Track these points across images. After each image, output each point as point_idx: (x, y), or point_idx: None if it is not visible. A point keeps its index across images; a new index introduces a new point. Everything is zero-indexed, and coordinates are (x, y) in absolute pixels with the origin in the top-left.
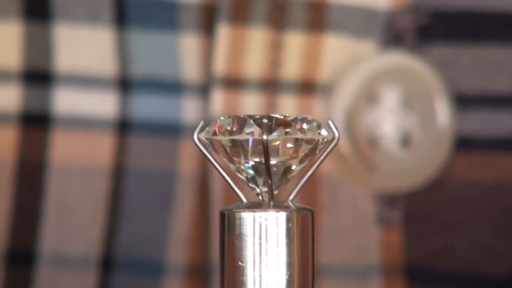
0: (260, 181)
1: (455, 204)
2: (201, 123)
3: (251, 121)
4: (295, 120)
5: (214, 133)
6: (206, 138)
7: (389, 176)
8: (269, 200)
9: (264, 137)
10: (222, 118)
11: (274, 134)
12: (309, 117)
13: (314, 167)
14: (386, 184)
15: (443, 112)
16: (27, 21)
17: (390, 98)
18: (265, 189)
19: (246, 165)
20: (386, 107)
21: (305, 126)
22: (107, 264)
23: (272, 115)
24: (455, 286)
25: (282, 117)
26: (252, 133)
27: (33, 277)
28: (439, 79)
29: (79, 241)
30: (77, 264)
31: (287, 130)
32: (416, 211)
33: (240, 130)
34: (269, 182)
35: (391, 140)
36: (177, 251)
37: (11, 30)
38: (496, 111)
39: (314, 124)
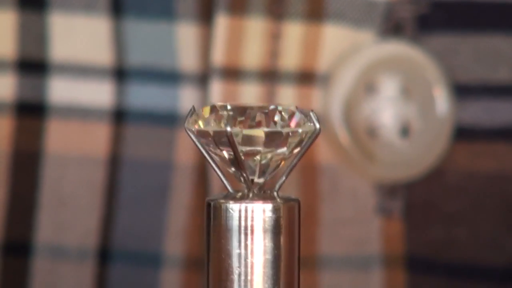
0: (247, 171)
1: (455, 194)
2: (191, 111)
3: (223, 112)
4: (265, 109)
5: (195, 123)
6: (188, 128)
7: (389, 166)
8: (251, 191)
9: (228, 129)
10: (202, 107)
11: (239, 129)
12: (293, 107)
13: (296, 159)
14: (386, 174)
15: (442, 102)
16: (22, 9)
17: (389, 87)
18: (251, 178)
19: (229, 155)
20: (385, 96)
21: (276, 117)
22: (104, 255)
23: (242, 104)
24: (456, 276)
25: (250, 107)
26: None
27: (30, 268)
28: (438, 68)
29: (75, 232)
30: (74, 255)
31: (258, 121)
32: (416, 201)
33: (217, 122)
34: (244, 175)
35: (390, 130)
36: (175, 242)
37: (6, 19)
38: (496, 100)
39: (303, 115)
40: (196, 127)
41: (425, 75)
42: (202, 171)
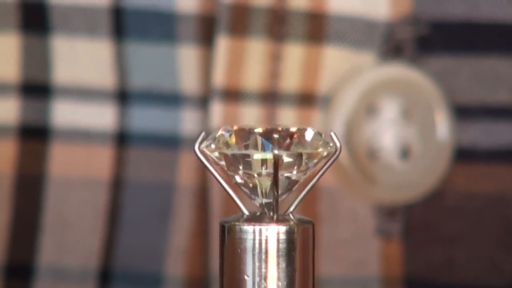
0: (261, 192)
1: (455, 216)
2: (202, 134)
3: (257, 136)
4: (299, 132)
5: (217, 146)
6: (207, 150)
7: (389, 188)
8: (272, 213)
9: (276, 152)
10: (223, 130)
11: (283, 151)
12: (312, 129)
13: (315, 179)
14: (386, 196)
15: (442, 124)
16: (26, 33)
17: (389, 109)
18: (266, 201)
19: (248, 177)
20: (386, 118)
21: (308, 138)
22: (106, 276)
23: (277, 127)
24: None
25: (287, 129)
26: (257, 148)
27: None
28: (438, 90)
29: (77, 254)
30: (76, 277)
31: (293, 143)
32: (416, 223)
33: (243, 143)
34: (276, 194)
35: (390, 152)
36: (176, 263)
37: (9, 42)
38: (496, 122)
39: (320, 136)
40: (215, 151)
41: (426, 97)
42: (203, 193)
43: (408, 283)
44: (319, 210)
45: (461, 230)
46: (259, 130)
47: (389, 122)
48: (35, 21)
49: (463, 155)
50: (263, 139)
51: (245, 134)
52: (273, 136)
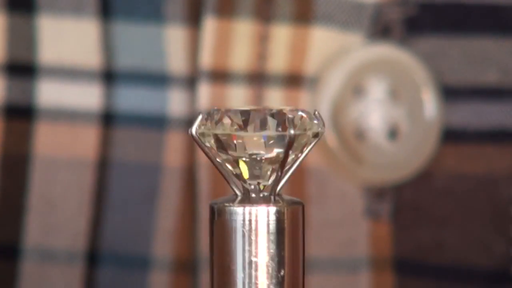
0: (251, 174)
1: (444, 197)
2: (200, 117)
3: (268, 116)
4: (290, 113)
5: (207, 127)
6: (195, 133)
7: (377, 169)
8: (263, 194)
9: (292, 131)
10: (214, 111)
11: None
12: (301, 110)
13: (299, 159)
14: (374, 177)
15: (430, 104)
16: (11, 12)
17: (377, 90)
18: (254, 182)
19: (243, 158)
20: (373, 99)
21: (298, 119)
22: (93, 258)
23: (271, 108)
24: (444, 279)
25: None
26: (266, 128)
27: (19, 271)
28: (427, 71)
29: (64, 235)
30: (63, 258)
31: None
32: (405, 203)
33: (245, 124)
34: (279, 174)
35: (378, 132)
36: (163, 245)
37: None
38: (485, 103)
39: (308, 116)
40: (204, 131)
41: (413, 78)
42: (190, 173)
43: (397, 264)
44: (307, 191)
45: (450, 211)
46: (240, 110)
47: (376, 102)
48: (20, 1)
49: (453, 136)
50: (272, 120)
51: (245, 115)
52: (289, 118)
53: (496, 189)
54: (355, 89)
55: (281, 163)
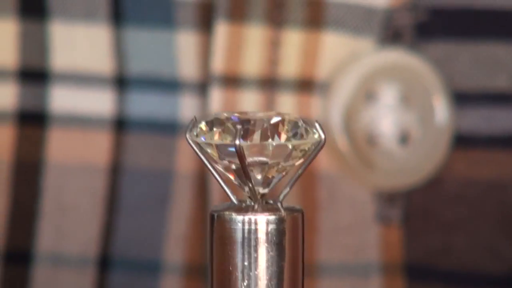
0: (250, 182)
1: (454, 202)
2: (192, 121)
3: (228, 125)
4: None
5: (197, 134)
6: (190, 139)
7: (388, 174)
8: (256, 203)
9: (237, 142)
10: (203, 118)
11: (246, 142)
12: (286, 117)
13: (300, 170)
14: (385, 182)
15: (441, 110)
16: (23, 19)
17: (388, 95)
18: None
19: (233, 166)
20: (384, 104)
21: (281, 128)
22: (105, 263)
23: (246, 115)
24: (455, 284)
25: (254, 117)
26: (267, 136)
27: (31, 277)
28: (437, 76)
29: (76, 240)
30: (75, 263)
31: (264, 132)
32: (416, 209)
33: (246, 132)
34: (250, 185)
35: (389, 137)
36: (175, 250)
37: (7, 28)
38: (495, 108)
39: (307, 126)
40: (201, 138)
41: (424, 83)
42: (202, 179)
43: (408, 269)
44: (318, 196)
45: (460, 216)
46: (239, 117)
47: (388, 108)
48: (33, 6)
49: (463, 142)
50: (272, 128)
51: (218, 124)
52: (237, 128)
53: (506, 195)
54: (366, 95)
55: (244, 174)
